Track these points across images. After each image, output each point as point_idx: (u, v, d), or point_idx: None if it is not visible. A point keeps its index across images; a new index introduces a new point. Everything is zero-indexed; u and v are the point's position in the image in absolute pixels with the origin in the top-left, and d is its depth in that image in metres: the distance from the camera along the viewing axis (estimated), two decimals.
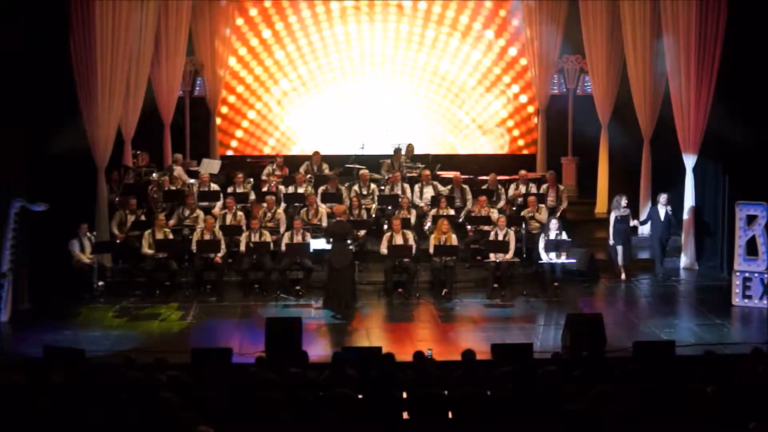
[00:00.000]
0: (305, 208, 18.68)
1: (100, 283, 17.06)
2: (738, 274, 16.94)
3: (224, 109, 23.48)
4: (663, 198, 18.48)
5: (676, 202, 18.82)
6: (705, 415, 9.88)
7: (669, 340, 13.87)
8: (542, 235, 17.81)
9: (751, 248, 16.95)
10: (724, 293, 17.24)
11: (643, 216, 19.35)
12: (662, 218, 18.38)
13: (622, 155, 21.23)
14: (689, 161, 18.84)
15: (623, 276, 18.30)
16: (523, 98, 23.91)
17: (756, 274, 16.78)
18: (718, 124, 17.91)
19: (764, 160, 17.41)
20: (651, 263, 18.74)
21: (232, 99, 23.52)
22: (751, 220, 16.99)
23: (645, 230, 19.45)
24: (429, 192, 19.66)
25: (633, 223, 18.57)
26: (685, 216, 18.90)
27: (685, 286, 18.21)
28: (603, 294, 17.87)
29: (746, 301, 16.81)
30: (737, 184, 18.16)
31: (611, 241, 18.46)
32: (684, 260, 19.07)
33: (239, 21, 23.07)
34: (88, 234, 17.28)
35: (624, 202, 18.46)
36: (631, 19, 19.45)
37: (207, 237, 17.49)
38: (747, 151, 17.37)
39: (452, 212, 18.78)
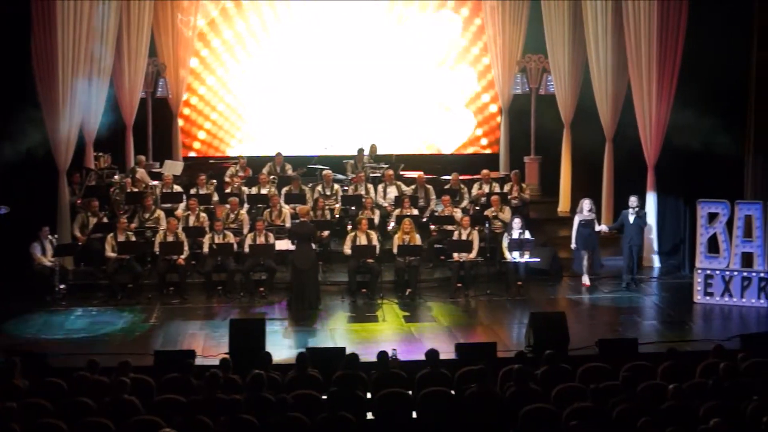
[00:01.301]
0: (268, 209, 18.63)
1: (62, 286, 16.89)
2: (699, 271, 17.06)
3: (187, 111, 23.37)
4: (632, 201, 17.87)
5: (638, 200, 18.81)
6: (667, 412, 9.94)
7: (632, 338, 13.96)
8: (505, 234, 17.83)
9: (713, 246, 17.09)
10: (686, 291, 17.36)
11: (613, 222, 18.87)
12: (631, 222, 17.80)
13: (585, 154, 21.29)
14: (651, 159, 18.94)
15: (585, 282, 17.96)
16: (486, 97, 24.00)
17: (717, 272, 16.92)
18: (680, 122, 17.99)
19: (725, 159, 17.55)
20: (619, 272, 18.33)
21: (194, 100, 23.41)
22: (712, 218, 17.12)
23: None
24: (392, 192, 19.65)
25: (598, 228, 18.08)
26: (647, 214, 18.93)
27: (647, 283, 18.28)
28: (566, 292, 17.93)
29: (708, 298, 16.93)
30: (698, 182, 18.27)
31: (573, 245, 18.07)
32: (646, 258, 19.13)
33: (201, 22, 22.95)
34: (49, 237, 17.08)
35: (587, 206, 17.92)
36: (592, 19, 19.55)
37: (170, 239, 17.40)
38: (708, 150, 17.47)
39: (416, 212, 18.80)
